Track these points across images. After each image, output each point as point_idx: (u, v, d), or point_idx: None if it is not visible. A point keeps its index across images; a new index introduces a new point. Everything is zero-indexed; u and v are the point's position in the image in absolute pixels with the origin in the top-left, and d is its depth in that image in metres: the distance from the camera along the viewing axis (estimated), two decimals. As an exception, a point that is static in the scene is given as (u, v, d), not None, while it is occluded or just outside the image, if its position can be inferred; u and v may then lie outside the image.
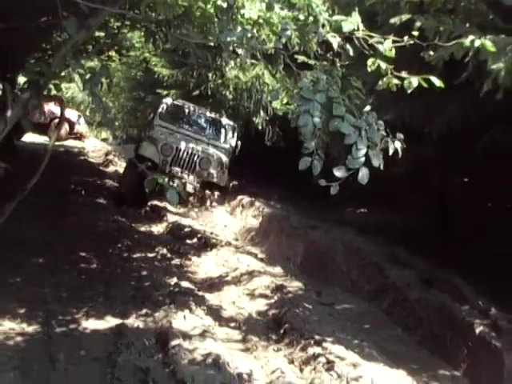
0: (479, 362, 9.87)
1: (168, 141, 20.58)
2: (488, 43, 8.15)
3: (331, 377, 8.60)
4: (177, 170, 20.27)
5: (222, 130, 21.75)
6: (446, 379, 9.74)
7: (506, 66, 8.76)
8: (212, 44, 9.10)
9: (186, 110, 22.15)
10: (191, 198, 21.30)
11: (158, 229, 17.17)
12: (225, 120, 22.20)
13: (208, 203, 21.90)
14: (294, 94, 9.65)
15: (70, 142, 32.66)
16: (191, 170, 20.32)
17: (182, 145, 20.55)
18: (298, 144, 7.27)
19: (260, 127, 20.69)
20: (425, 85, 7.50)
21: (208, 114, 22.31)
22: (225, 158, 21.21)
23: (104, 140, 38.53)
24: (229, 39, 8.13)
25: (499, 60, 8.71)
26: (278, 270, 14.04)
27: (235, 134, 21.98)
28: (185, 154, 20.38)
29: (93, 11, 6.57)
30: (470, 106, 10.08)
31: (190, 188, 20.30)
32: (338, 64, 7.82)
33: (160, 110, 21.86)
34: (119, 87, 31.41)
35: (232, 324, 10.79)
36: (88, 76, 9.46)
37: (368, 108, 7.26)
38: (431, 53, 8.68)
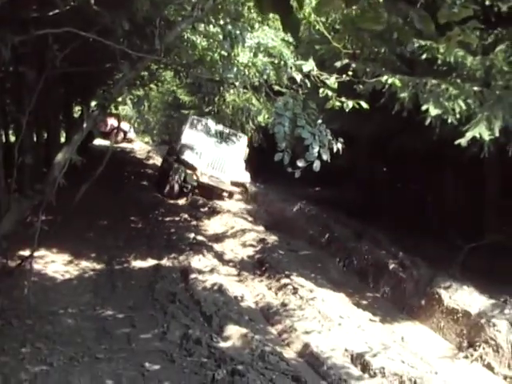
0: (391, 287, 9.99)
1: (205, 149, 17.91)
2: (396, 81, 8.31)
3: (295, 298, 8.74)
4: (212, 171, 17.75)
5: (237, 140, 18.96)
6: (370, 298, 9.86)
7: (409, 95, 8.84)
8: (217, 79, 9.18)
9: (209, 125, 19.05)
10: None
11: (181, 202, 17.12)
12: (237, 132, 19.54)
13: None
14: (271, 112, 9.74)
15: (124, 144, 32.56)
16: (223, 171, 17.86)
17: (216, 151, 18.05)
18: (274, 144, 7.40)
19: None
20: (357, 106, 7.63)
21: (224, 128, 19.25)
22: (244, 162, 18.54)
23: (146, 143, 38.35)
24: (228, 76, 8.26)
25: (404, 91, 8.79)
26: (261, 228, 14.08)
27: (246, 143, 19.22)
28: (218, 158, 17.93)
29: (140, 58, 6.63)
30: (386, 120, 10.13)
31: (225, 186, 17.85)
32: (300, 92, 7.92)
33: (189, 123, 19.11)
34: (157, 108, 31.38)
35: (231, 264, 10.90)
36: (136, 100, 9.70)
37: (320, 121, 7.37)
38: (361, 86, 8.81)
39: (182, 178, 17.27)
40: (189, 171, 17.23)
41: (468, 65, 8.79)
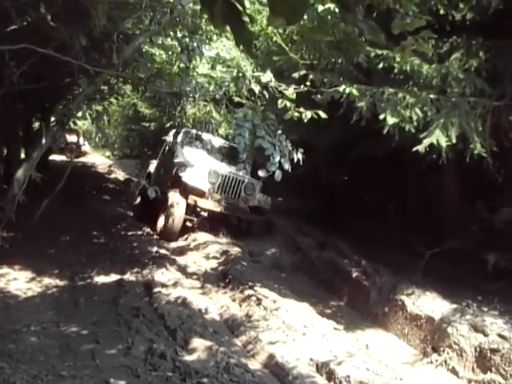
0: (354, 295, 10.07)
1: (211, 168, 14.18)
2: (354, 90, 8.44)
3: (260, 309, 8.77)
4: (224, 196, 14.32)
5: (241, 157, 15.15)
6: (334, 307, 9.92)
7: (366, 105, 8.96)
8: (176, 92, 9.21)
9: (205, 138, 16.01)
10: None
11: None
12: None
13: None
14: (232, 123, 9.82)
15: (85, 159, 32.39)
16: (237, 196, 14.43)
17: (226, 171, 14.45)
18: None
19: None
20: (315, 116, 7.74)
21: (224, 142, 16.26)
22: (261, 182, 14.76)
23: (107, 157, 38.21)
24: (187, 88, 8.29)
25: (362, 101, 8.91)
26: (224, 240, 14.08)
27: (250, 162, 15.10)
28: (230, 180, 14.33)
29: (98, 73, 6.65)
30: (345, 129, 10.24)
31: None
32: (259, 103, 8.01)
33: (181, 137, 15.45)
34: (117, 122, 31.31)
35: (194, 276, 10.83)
36: (95, 115, 9.74)
37: (279, 131, 7.47)
38: (319, 96, 8.91)
39: (185, 208, 13.58)
40: (194, 197, 13.62)
41: (424, 73, 8.95)
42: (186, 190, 13.63)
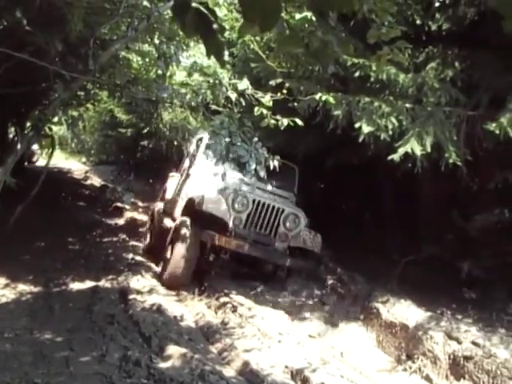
0: (330, 303, 10.12)
1: (242, 190, 10.43)
2: (330, 98, 8.51)
3: (235, 316, 8.78)
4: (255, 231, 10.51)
5: (282, 174, 10.67)
6: (310, 314, 9.94)
7: (342, 113, 9.04)
8: (153, 98, 9.23)
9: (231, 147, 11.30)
10: None
11: (119, 221, 16.98)
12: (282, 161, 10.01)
13: None
14: (208, 130, 9.85)
15: (62, 165, 32.19)
16: (273, 232, 10.60)
17: (259, 195, 10.62)
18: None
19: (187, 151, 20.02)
20: (292, 124, 7.79)
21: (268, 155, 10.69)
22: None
23: (83, 163, 38.04)
24: (164, 95, 8.32)
25: (338, 109, 8.99)
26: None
27: (297, 180, 12.33)
28: (265, 208, 10.51)
29: (74, 78, 6.64)
30: (321, 137, 10.30)
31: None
32: (236, 110, 8.04)
33: (201, 148, 11.47)
34: (93, 127, 31.16)
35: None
36: (71, 121, 9.72)
37: (256, 139, 7.51)
38: (296, 104, 8.98)
39: (198, 244, 10.13)
40: (211, 232, 10.01)
41: (400, 82, 9.03)
42: (201, 220, 10.02)
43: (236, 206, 10.32)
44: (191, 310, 9.40)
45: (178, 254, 10.00)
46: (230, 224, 10.22)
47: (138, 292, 9.28)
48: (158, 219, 12.96)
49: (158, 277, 10.79)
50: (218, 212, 10.07)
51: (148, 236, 14.06)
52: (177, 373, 6.09)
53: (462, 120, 8.97)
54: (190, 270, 10.17)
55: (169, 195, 12.95)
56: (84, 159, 39.71)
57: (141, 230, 15.84)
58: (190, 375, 6.10)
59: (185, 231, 10.06)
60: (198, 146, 11.86)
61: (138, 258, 12.01)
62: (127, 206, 19.38)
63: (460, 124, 8.96)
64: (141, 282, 9.93)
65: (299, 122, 7.88)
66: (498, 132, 8.14)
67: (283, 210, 10.68)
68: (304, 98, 9.07)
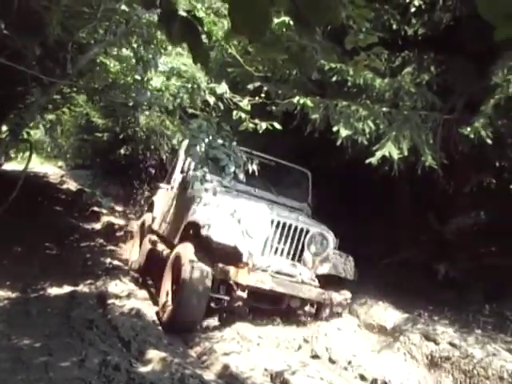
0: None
1: (255, 209, 8.67)
2: (308, 101, 8.56)
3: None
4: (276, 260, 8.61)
5: (292, 181, 10.42)
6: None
7: (320, 117, 9.10)
8: (131, 103, 9.21)
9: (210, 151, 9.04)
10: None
11: (96, 226, 16.88)
12: (290, 165, 10.44)
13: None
14: (186, 134, 9.85)
15: (38, 169, 31.96)
16: (297, 257, 8.74)
17: (277, 214, 8.76)
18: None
19: (164, 156, 19.90)
20: (270, 128, 7.83)
21: (260, 156, 9.78)
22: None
23: (59, 167, 37.80)
24: (142, 100, 8.31)
25: (316, 112, 9.05)
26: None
27: (310, 187, 10.61)
28: (286, 230, 8.66)
29: (52, 83, 6.62)
30: (299, 141, 10.35)
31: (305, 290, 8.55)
32: (214, 114, 8.08)
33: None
34: (69, 132, 30.96)
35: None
36: (49, 125, 9.69)
37: (234, 143, 7.53)
38: (274, 107, 9.03)
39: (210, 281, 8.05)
40: (223, 266, 8.10)
41: (377, 87, 9.13)
42: (207, 249, 8.18)
43: (251, 230, 8.36)
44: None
45: (185, 300, 7.94)
46: (245, 253, 8.24)
47: (117, 296, 9.26)
48: (150, 239, 11.08)
49: (156, 315, 8.82)
50: (230, 240, 8.05)
51: (136, 251, 12.11)
52: (157, 377, 6.09)
53: (437, 124, 9.08)
54: (200, 317, 8.18)
55: (158, 211, 11.40)
56: (60, 163, 39.46)
57: (118, 234, 15.74)
58: (170, 379, 6.10)
59: (189, 268, 7.96)
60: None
61: (116, 262, 11.96)
62: (104, 211, 19.27)
63: (436, 128, 9.08)
64: (119, 287, 9.89)
65: (277, 125, 7.92)
66: (472, 136, 8.25)
67: (308, 231, 8.74)
68: (282, 101, 9.12)
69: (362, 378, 7.24)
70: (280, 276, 8.45)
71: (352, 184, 13.01)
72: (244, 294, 8.21)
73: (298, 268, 8.66)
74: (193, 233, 8.65)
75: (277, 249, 8.65)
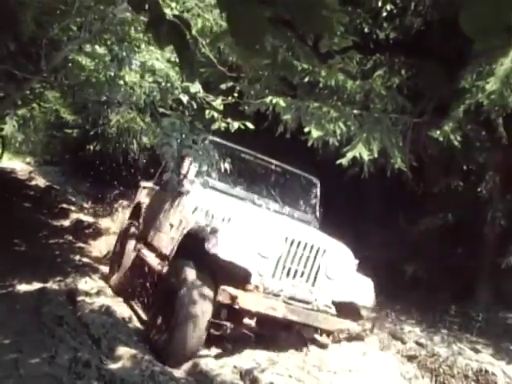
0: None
1: (266, 223, 7.43)
2: (281, 101, 8.64)
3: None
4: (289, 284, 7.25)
5: (299, 191, 9.46)
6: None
7: (292, 117, 9.19)
8: (103, 100, 9.19)
9: (243, 156, 8.93)
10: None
11: (65, 223, 16.74)
12: (297, 171, 9.40)
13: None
14: (156, 133, 9.86)
15: (5, 165, 31.57)
16: (312, 281, 7.41)
17: (291, 231, 7.43)
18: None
19: (134, 154, 19.75)
20: (242, 127, 7.90)
21: (263, 159, 9.16)
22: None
23: (27, 163, 37.43)
24: (117, 97, 8.30)
25: (287, 113, 9.13)
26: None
27: (319, 197, 9.56)
28: (300, 249, 7.31)
29: (26, 79, 6.61)
30: (270, 141, 10.41)
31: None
32: (187, 113, 8.11)
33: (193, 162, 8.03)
34: (38, 127, 30.67)
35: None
36: (21, 121, 9.62)
37: (207, 141, 7.59)
38: (246, 107, 9.09)
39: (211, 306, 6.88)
40: (230, 289, 6.80)
41: (348, 89, 9.25)
42: (210, 268, 7.02)
43: (264, 248, 7.04)
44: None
45: (181, 329, 6.82)
46: (255, 274, 6.99)
47: (87, 294, 9.20)
48: (131, 248, 9.99)
49: (149, 344, 7.47)
50: (239, 259, 6.75)
51: (114, 265, 10.77)
52: (127, 374, 6.11)
53: (407, 127, 9.24)
54: (198, 347, 7.06)
55: (146, 216, 10.12)
56: (28, 159, 39.09)
57: (87, 231, 15.64)
58: (141, 376, 6.13)
59: (188, 290, 6.88)
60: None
61: (86, 259, 11.90)
62: (73, 208, 19.13)
63: (406, 130, 9.24)
64: (89, 284, 9.84)
65: (250, 125, 7.98)
66: (441, 139, 8.40)
67: (325, 251, 7.39)
68: (254, 101, 9.20)
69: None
70: (294, 302, 7.15)
71: (322, 185, 13.13)
72: (252, 322, 6.93)
73: (313, 293, 7.34)
74: (192, 246, 7.22)
75: (289, 270, 7.25)
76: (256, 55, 2.25)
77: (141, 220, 10.27)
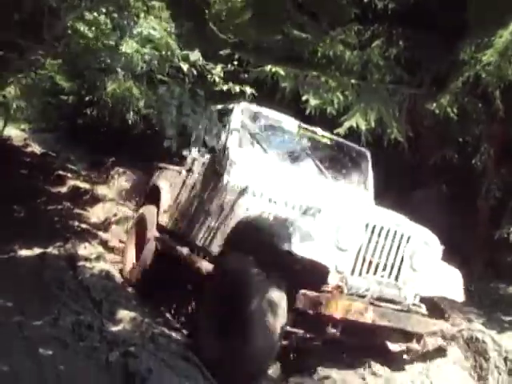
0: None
1: (343, 209, 5.83)
2: (280, 70, 8.69)
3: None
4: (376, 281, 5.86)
5: (351, 165, 8.38)
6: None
7: (290, 86, 9.26)
8: (105, 68, 9.19)
9: (284, 126, 7.86)
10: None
11: (63, 189, 16.73)
12: (346, 142, 8.44)
13: None
14: (152, 100, 9.87)
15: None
16: (395, 274, 6.00)
17: (371, 214, 5.97)
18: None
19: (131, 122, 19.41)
20: (243, 90, 7.94)
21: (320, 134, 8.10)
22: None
23: (22, 130, 37.24)
24: (116, 65, 8.30)
25: (286, 81, 9.19)
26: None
27: (371, 170, 8.50)
28: (383, 237, 5.86)
29: (29, 47, 6.63)
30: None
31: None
32: (187, 81, 8.10)
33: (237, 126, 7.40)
34: (36, 95, 30.43)
35: (116, 251, 10.91)
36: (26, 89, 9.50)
37: (212, 109, 7.63)
38: (246, 75, 9.14)
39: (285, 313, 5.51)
40: (306, 293, 5.49)
41: (346, 59, 9.28)
42: (282, 268, 5.63)
43: (341, 238, 5.64)
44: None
45: (255, 342, 5.40)
46: (333, 272, 5.64)
47: (86, 259, 9.29)
48: (152, 238, 8.86)
49: (198, 357, 6.05)
50: (317, 255, 5.41)
51: (132, 255, 9.81)
52: (128, 336, 6.24)
53: (404, 98, 9.29)
54: (273, 358, 5.81)
55: (171, 203, 8.87)
56: (23, 126, 38.88)
57: (84, 198, 15.64)
58: (141, 338, 6.27)
59: (257, 293, 5.50)
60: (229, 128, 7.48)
61: (84, 225, 11.97)
62: (69, 175, 19.08)
63: (403, 101, 9.28)
64: (88, 250, 9.92)
65: (249, 89, 8.02)
66: (438, 112, 8.47)
67: (409, 237, 6.05)
68: (254, 69, 9.24)
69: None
70: (382, 304, 5.91)
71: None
72: (337, 332, 5.57)
73: (401, 290, 6.10)
74: (247, 239, 6.04)
75: (370, 263, 5.90)
76: (272, 34, 2.32)
77: (162, 207, 8.97)
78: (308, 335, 5.76)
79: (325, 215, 5.64)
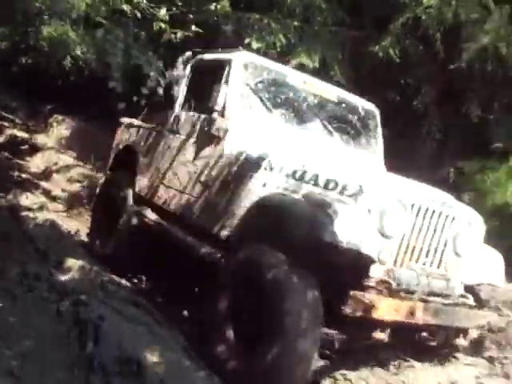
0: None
1: (383, 187, 4.67)
2: (227, 6, 8.58)
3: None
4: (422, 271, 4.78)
5: (355, 124, 6.92)
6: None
7: (232, 29, 9.19)
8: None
9: (289, 81, 6.38)
10: None
11: (0, 139, 16.22)
12: (352, 98, 7.07)
13: None
14: (90, 45, 9.47)
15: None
16: (439, 262, 4.94)
17: (416, 193, 4.76)
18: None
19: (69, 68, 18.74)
20: (189, 34, 7.80)
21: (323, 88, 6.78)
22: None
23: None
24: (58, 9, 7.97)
25: (227, 24, 9.11)
26: (88, 165, 13.73)
27: (380, 132, 7.16)
28: (427, 220, 4.74)
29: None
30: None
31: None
32: (131, 24, 7.87)
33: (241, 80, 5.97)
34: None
35: (59, 200, 10.72)
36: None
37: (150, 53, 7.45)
38: (191, 16, 8.97)
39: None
40: (356, 294, 4.31)
41: (288, 1, 9.19)
42: (324, 265, 4.39)
43: (386, 223, 4.55)
44: (85, 224, 9.34)
45: (290, 352, 4.34)
46: (377, 263, 4.55)
47: (29, 209, 9.10)
48: (130, 213, 7.43)
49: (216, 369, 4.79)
50: (359, 244, 4.32)
51: (98, 233, 8.32)
52: (77, 284, 6.14)
53: (347, 40, 9.28)
54: (310, 367, 4.57)
55: (146, 167, 7.39)
56: None
57: (23, 147, 15.21)
58: (91, 286, 6.19)
59: (290, 293, 4.42)
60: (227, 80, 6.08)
61: (25, 175, 11.69)
62: (6, 124, 18.48)
63: (345, 44, 9.27)
64: (30, 200, 9.73)
65: (194, 27, 7.85)
66: (381, 54, 8.50)
67: (453, 218, 5.02)
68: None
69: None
70: (433, 299, 4.96)
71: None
72: (385, 337, 4.72)
73: (449, 281, 5.18)
74: (271, 223, 4.90)
75: (413, 250, 4.85)
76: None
77: (140, 173, 7.53)
78: (345, 338, 4.69)
79: (368, 196, 4.58)
